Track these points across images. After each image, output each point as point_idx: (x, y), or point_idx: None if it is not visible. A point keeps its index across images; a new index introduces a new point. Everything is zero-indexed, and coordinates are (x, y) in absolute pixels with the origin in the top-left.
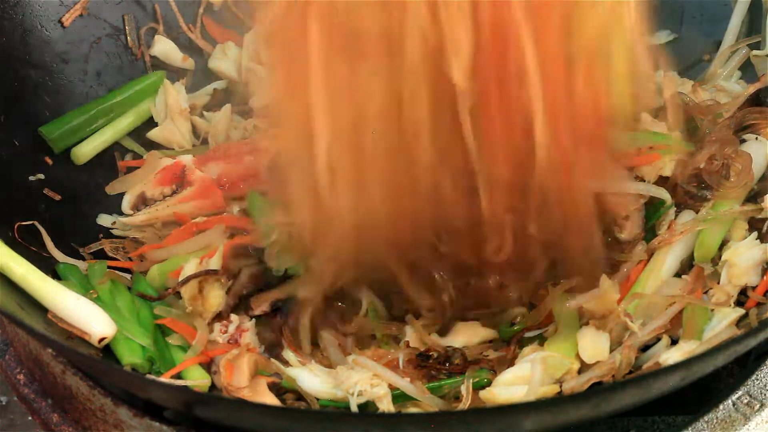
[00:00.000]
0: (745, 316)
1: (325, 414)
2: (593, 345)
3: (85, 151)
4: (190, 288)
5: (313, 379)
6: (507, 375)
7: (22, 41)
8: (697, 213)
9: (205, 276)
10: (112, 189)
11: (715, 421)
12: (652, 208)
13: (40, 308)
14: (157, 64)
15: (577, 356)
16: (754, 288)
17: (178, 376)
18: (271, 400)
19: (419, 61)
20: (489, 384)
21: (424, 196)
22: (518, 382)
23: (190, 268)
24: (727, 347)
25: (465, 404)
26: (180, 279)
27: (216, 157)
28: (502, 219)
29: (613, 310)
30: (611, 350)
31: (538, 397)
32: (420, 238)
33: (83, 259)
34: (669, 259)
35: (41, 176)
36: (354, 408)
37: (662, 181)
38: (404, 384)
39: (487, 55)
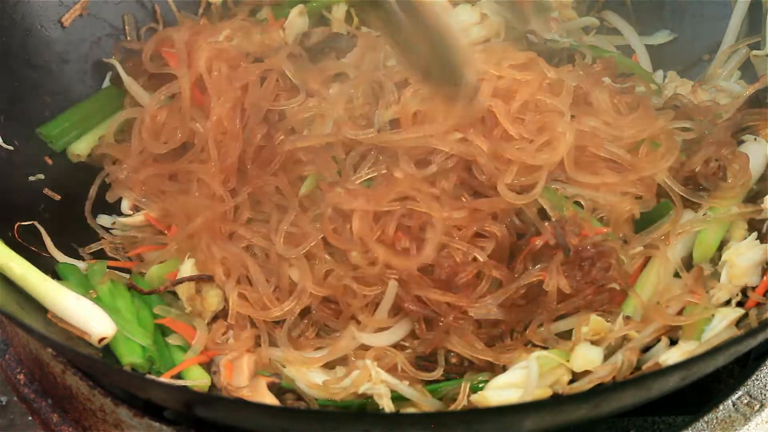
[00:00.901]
0: (745, 316)
1: (325, 414)
2: (585, 356)
3: (82, 147)
4: (188, 288)
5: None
6: (499, 380)
7: (22, 41)
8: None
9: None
10: (111, 196)
11: (715, 421)
12: (655, 211)
13: (40, 308)
14: None
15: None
16: (754, 288)
17: (178, 376)
18: (270, 400)
19: None
20: (482, 389)
21: None
22: (510, 387)
23: (186, 269)
24: (727, 347)
25: (459, 405)
26: (176, 280)
27: None
28: None
29: (606, 336)
30: (612, 353)
31: (533, 398)
32: None
33: (83, 259)
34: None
35: (41, 176)
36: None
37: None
38: (402, 386)
39: None
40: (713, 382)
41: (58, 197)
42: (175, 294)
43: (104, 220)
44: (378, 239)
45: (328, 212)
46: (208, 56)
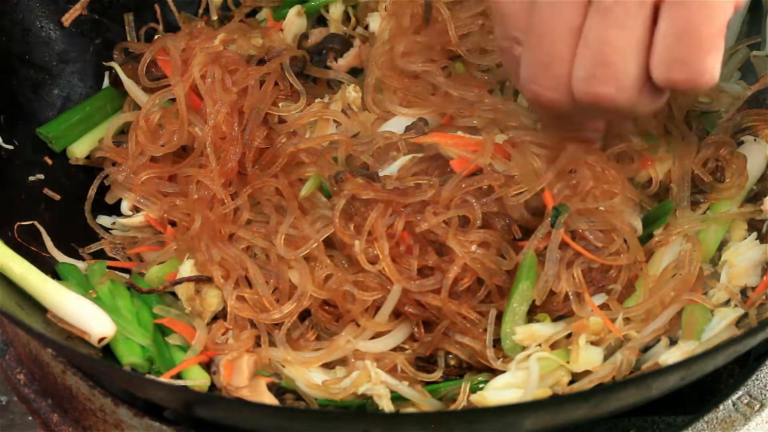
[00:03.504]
0: (745, 316)
1: (325, 414)
2: (585, 356)
3: (81, 149)
4: (187, 289)
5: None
6: (499, 380)
7: (22, 41)
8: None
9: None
10: (110, 198)
11: (715, 421)
12: (655, 211)
13: (40, 308)
14: None
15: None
16: (753, 288)
17: (178, 376)
18: (270, 399)
19: None
20: (482, 389)
21: None
22: (510, 387)
23: (186, 270)
24: (726, 347)
25: (459, 405)
26: (175, 280)
27: None
28: None
29: (606, 336)
30: (612, 353)
31: (534, 398)
32: None
33: (83, 259)
34: (667, 258)
35: (41, 176)
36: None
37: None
38: (402, 387)
39: None
40: (713, 382)
41: (58, 197)
42: (174, 294)
43: (104, 220)
44: (387, 233)
45: (341, 203)
46: (202, 62)
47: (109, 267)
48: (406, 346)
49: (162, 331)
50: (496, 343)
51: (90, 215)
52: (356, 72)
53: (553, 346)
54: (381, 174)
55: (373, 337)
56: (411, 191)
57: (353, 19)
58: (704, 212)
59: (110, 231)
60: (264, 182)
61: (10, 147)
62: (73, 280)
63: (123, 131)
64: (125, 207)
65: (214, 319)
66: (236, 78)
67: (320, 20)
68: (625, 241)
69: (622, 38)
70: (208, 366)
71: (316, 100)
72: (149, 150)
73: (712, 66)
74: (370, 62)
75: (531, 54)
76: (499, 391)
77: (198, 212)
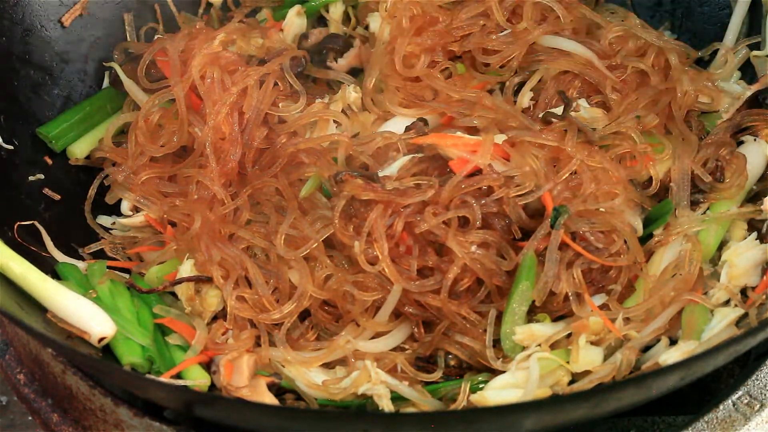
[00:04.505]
0: (745, 316)
1: (325, 414)
2: (585, 356)
3: (81, 149)
4: (187, 289)
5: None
6: (499, 380)
7: (22, 41)
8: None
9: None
10: (110, 198)
11: (715, 421)
12: (655, 211)
13: (39, 308)
14: None
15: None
16: (753, 288)
17: (178, 376)
18: (270, 399)
19: None
20: (482, 389)
21: None
22: (510, 387)
23: (186, 270)
24: (726, 347)
25: (459, 405)
26: (175, 280)
27: None
28: None
29: (606, 336)
30: (612, 353)
31: (534, 398)
32: None
33: (83, 259)
34: (667, 258)
35: (41, 176)
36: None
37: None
38: (402, 387)
39: None
40: (713, 382)
41: (58, 197)
42: (174, 295)
43: (104, 220)
44: (386, 234)
45: (341, 204)
46: (201, 63)
47: (109, 267)
48: (406, 346)
49: (162, 331)
50: (496, 343)
51: (90, 215)
52: (356, 72)
53: (553, 346)
54: (381, 174)
55: (373, 337)
56: (410, 192)
57: (353, 19)
58: (704, 212)
59: (110, 231)
60: (264, 182)
61: (10, 147)
62: (73, 280)
63: (123, 131)
64: (125, 207)
65: (214, 319)
66: (236, 78)
67: (320, 20)
68: (625, 242)
69: None
70: (208, 366)
71: (316, 101)
72: (149, 150)
73: None
74: (371, 62)
75: None
76: (499, 391)
77: (198, 212)
